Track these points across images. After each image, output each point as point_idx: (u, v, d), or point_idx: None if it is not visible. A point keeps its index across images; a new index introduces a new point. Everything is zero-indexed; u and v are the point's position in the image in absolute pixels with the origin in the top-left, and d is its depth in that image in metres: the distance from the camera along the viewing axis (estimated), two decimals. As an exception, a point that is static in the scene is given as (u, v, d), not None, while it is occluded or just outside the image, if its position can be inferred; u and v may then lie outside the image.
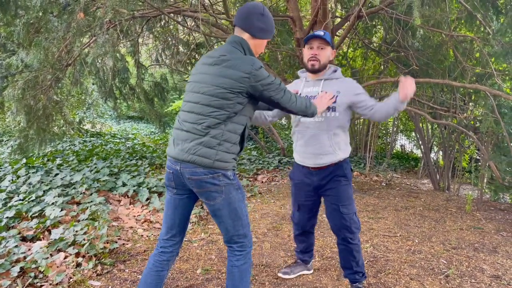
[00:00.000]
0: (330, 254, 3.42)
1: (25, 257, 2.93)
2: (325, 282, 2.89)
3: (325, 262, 3.25)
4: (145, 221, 4.10)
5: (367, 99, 2.44)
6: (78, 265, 2.92)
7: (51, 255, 3.01)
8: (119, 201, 4.56)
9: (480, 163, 7.47)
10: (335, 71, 2.55)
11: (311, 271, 3.03)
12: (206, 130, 1.89)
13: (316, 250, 3.51)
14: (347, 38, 7.16)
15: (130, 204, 4.52)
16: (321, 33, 2.45)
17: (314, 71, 2.50)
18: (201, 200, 2.04)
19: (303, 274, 2.99)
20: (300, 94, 2.55)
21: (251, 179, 6.60)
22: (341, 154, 2.50)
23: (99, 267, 2.95)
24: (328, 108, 2.42)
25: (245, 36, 2.02)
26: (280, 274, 2.94)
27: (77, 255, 3.02)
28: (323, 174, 2.52)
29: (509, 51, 4.23)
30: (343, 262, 2.66)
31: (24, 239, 3.30)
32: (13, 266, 2.76)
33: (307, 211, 2.71)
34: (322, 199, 2.67)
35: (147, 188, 4.86)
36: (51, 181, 4.84)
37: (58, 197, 4.17)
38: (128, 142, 10.56)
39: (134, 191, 4.78)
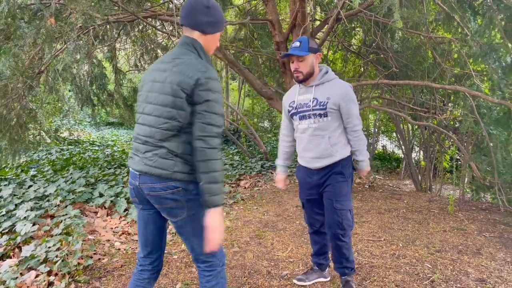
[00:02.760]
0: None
1: (-8, 278, 2.77)
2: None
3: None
4: (123, 233, 3.96)
5: (354, 114, 2.54)
6: (50, 284, 2.77)
7: (21, 274, 2.85)
8: (96, 212, 4.40)
9: (460, 163, 7.54)
10: (326, 72, 2.60)
11: (328, 278, 2.99)
12: (160, 143, 1.76)
13: (300, 258, 3.43)
14: (327, 41, 7.14)
15: (107, 216, 4.36)
16: (296, 44, 2.50)
17: (300, 82, 2.59)
18: (164, 216, 1.90)
19: (319, 281, 2.95)
20: (295, 102, 2.64)
21: (233, 185, 6.49)
22: (340, 155, 2.57)
23: (72, 286, 2.80)
24: (320, 115, 2.51)
25: (195, 34, 1.84)
26: (295, 281, 2.92)
27: (49, 273, 2.87)
28: (322, 173, 2.61)
29: (487, 51, 4.24)
30: (334, 257, 2.75)
31: (-8, 257, 3.13)
32: (-22, 289, 2.60)
33: (311, 207, 2.78)
34: None
35: (125, 198, 4.70)
36: (23, 193, 4.64)
37: (31, 211, 3.99)
38: (107, 150, 10.32)
39: (111, 201, 4.62)
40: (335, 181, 2.57)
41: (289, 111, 2.69)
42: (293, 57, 2.51)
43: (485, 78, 5.16)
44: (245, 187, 6.41)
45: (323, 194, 2.65)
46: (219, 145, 1.75)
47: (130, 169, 1.90)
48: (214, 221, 1.74)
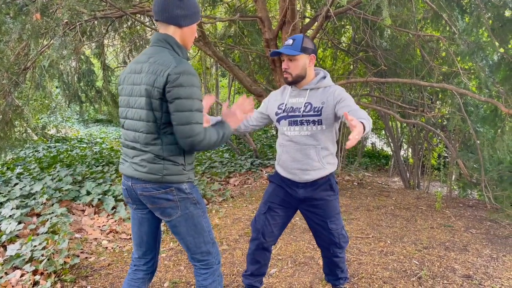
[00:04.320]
0: (303, 259, 3.34)
1: (-24, 278, 2.72)
2: (298, 290, 2.81)
3: (298, 268, 3.18)
4: (110, 231, 3.92)
5: (351, 104, 2.14)
6: (36, 283, 2.73)
7: (6, 273, 2.81)
8: (83, 211, 4.35)
9: (448, 161, 7.61)
10: (324, 77, 2.33)
11: None
12: (145, 147, 1.74)
13: (288, 255, 3.43)
14: (316, 38, 7.14)
15: (94, 214, 4.31)
16: (289, 42, 2.24)
17: (289, 84, 2.32)
18: (158, 216, 1.89)
19: None
20: (286, 104, 2.34)
21: (223, 183, 6.47)
22: (330, 168, 2.33)
23: (58, 285, 2.76)
24: (314, 122, 2.24)
25: (171, 29, 1.78)
26: None
27: (35, 272, 2.83)
28: (309, 188, 2.33)
29: (475, 50, 4.28)
30: (327, 270, 2.60)
31: (-24, 257, 3.08)
32: (-39, 289, 2.55)
33: (274, 217, 2.40)
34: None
35: (113, 196, 4.66)
36: (9, 191, 4.57)
37: (16, 209, 3.93)
38: (96, 147, 10.21)
39: (99, 199, 4.57)
40: (327, 200, 2.33)
41: (276, 114, 2.37)
42: (284, 55, 2.25)
43: (473, 76, 5.21)
44: (234, 185, 6.40)
45: (309, 213, 2.39)
46: (201, 140, 1.69)
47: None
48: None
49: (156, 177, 1.73)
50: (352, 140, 1.68)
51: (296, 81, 2.28)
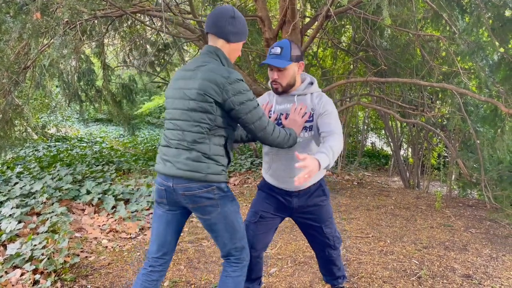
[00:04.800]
0: (303, 259, 3.35)
1: (-24, 277, 2.72)
2: (298, 289, 2.82)
3: (298, 267, 3.18)
4: (110, 231, 3.92)
5: (331, 122, 2.09)
6: (36, 282, 2.73)
7: (6, 272, 2.81)
8: (83, 210, 4.35)
9: (448, 160, 7.61)
10: (311, 83, 2.27)
11: None
12: (192, 146, 1.84)
13: (288, 255, 3.44)
14: (316, 38, 7.15)
15: (94, 213, 4.31)
16: (277, 50, 2.13)
17: (279, 94, 2.24)
18: (196, 215, 1.97)
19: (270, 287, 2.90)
20: (273, 112, 2.28)
21: (222, 182, 6.47)
22: (321, 173, 2.31)
23: (58, 284, 2.77)
24: (305, 128, 2.17)
25: (220, 43, 1.94)
26: None
27: (35, 271, 2.83)
28: (304, 196, 2.27)
29: (475, 50, 4.28)
30: (324, 270, 2.57)
31: (-24, 256, 3.08)
32: (-38, 288, 2.55)
33: (266, 225, 2.32)
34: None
35: (113, 196, 4.66)
36: (9, 190, 4.57)
37: (16, 208, 3.93)
38: (96, 146, 10.22)
39: (99, 199, 4.57)
40: (319, 204, 2.30)
41: None
42: (272, 65, 2.14)
43: (473, 76, 5.21)
44: (234, 184, 6.40)
45: (303, 219, 2.35)
46: (272, 129, 1.92)
47: (159, 174, 1.95)
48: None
49: (199, 175, 1.84)
50: (298, 179, 1.69)
51: (286, 91, 2.21)
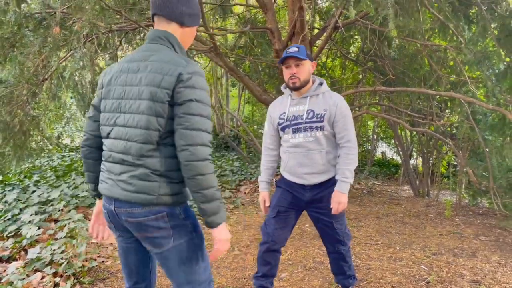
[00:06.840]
0: (313, 264, 3.42)
1: (0, 279, 2.84)
2: (308, 293, 2.89)
3: (308, 272, 3.25)
4: (125, 237, 4.03)
5: (350, 127, 2.40)
6: (56, 285, 2.85)
7: (27, 275, 2.92)
8: (99, 217, 4.47)
9: (457, 169, 7.61)
10: (321, 84, 2.47)
11: None
12: (139, 161, 1.46)
13: (299, 260, 3.51)
14: (325, 49, 7.26)
15: (110, 220, 4.43)
16: (294, 49, 2.35)
17: (297, 89, 2.41)
18: (145, 247, 1.61)
19: None
20: (287, 113, 2.43)
21: (233, 191, 6.57)
22: (334, 170, 2.45)
23: (77, 287, 2.88)
24: (317, 128, 2.37)
25: (172, 27, 1.58)
26: None
27: (55, 274, 2.95)
28: (316, 190, 2.45)
29: (481, 59, 4.35)
30: (335, 269, 2.70)
31: (-1, 259, 3.21)
32: (-13, 289, 2.68)
33: (284, 220, 2.51)
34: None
35: (128, 203, 4.78)
36: (27, 198, 4.72)
37: (35, 215, 4.07)
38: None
39: (114, 206, 4.69)
40: (330, 198, 2.42)
41: (279, 124, 2.47)
42: (290, 61, 2.35)
43: (480, 85, 5.26)
44: (245, 193, 6.49)
45: (315, 214, 2.51)
46: (209, 155, 1.45)
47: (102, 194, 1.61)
48: (221, 235, 1.52)
49: (150, 198, 1.46)
50: (334, 209, 2.36)
51: (302, 86, 2.40)
